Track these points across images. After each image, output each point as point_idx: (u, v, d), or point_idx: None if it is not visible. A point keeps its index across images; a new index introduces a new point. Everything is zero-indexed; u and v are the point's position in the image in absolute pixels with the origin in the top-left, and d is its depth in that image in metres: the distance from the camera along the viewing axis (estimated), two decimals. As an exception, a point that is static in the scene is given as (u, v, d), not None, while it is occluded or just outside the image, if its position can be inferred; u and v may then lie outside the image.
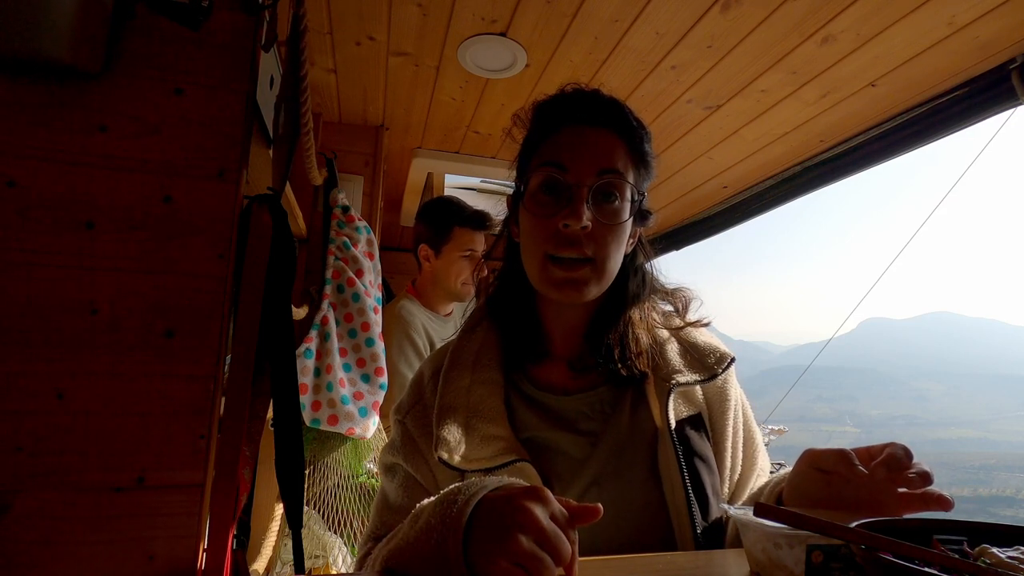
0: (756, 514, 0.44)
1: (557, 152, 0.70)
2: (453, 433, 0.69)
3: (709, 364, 0.73)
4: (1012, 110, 1.42)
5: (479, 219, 1.79)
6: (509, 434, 0.68)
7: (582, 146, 0.69)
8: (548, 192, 0.70)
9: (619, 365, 0.72)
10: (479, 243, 1.77)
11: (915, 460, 0.53)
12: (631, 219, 0.72)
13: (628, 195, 0.70)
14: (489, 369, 0.73)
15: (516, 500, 0.45)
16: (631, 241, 0.76)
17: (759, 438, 0.77)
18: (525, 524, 0.44)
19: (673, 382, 0.70)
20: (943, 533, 0.43)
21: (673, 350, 0.75)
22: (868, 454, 0.55)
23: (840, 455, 0.55)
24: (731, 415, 0.73)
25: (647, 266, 0.79)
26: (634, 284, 0.77)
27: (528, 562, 0.42)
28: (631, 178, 0.71)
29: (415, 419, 0.74)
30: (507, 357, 0.76)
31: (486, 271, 1.80)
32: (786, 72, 1.46)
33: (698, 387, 0.74)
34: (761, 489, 0.71)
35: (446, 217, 1.79)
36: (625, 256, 0.75)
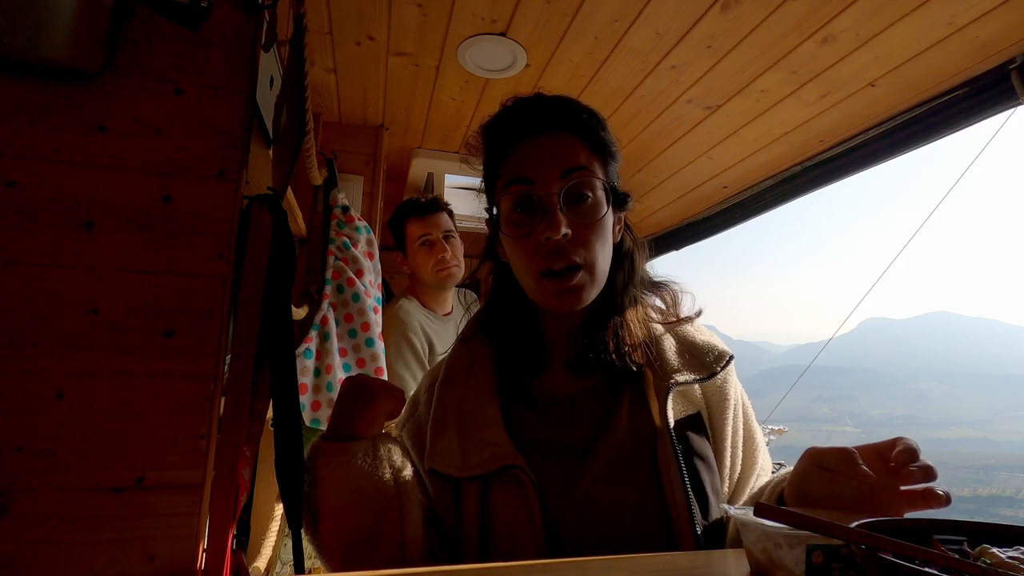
0: (756, 514, 0.44)
1: (518, 168, 0.70)
2: (445, 443, 0.69)
3: (708, 363, 0.73)
4: (1012, 110, 1.42)
5: (423, 205, 1.79)
6: (504, 440, 0.68)
7: (541, 155, 0.69)
8: (521, 210, 0.69)
9: (614, 356, 0.71)
10: (432, 226, 1.77)
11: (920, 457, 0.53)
12: (609, 209, 0.71)
13: (599, 188, 0.70)
14: (484, 378, 0.74)
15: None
16: (617, 228, 0.76)
17: (760, 437, 0.77)
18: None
19: (672, 381, 0.70)
20: (943, 533, 0.43)
21: (671, 349, 0.75)
22: (875, 451, 0.55)
23: (844, 453, 0.55)
24: (730, 414, 0.73)
25: (635, 254, 0.79)
26: (622, 274, 0.76)
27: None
28: (598, 171, 0.70)
29: (409, 432, 0.75)
30: (503, 366, 0.76)
31: (452, 249, 1.80)
32: (786, 72, 1.46)
33: (697, 386, 0.73)
34: (762, 489, 0.71)
35: (398, 219, 1.82)
36: (613, 245, 0.75)
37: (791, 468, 0.65)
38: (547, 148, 0.69)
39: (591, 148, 0.71)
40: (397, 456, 0.68)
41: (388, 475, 0.65)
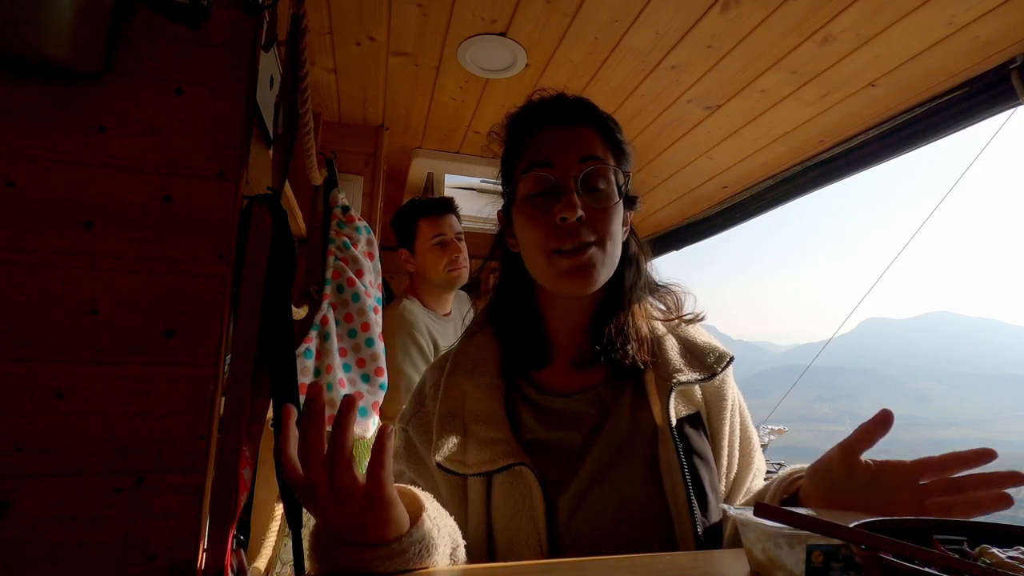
0: (756, 514, 0.44)
1: (539, 152, 0.72)
2: (452, 438, 0.69)
3: (709, 363, 0.74)
4: (1012, 110, 1.42)
5: (438, 205, 1.81)
6: (509, 437, 0.68)
7: (561, 142, 0.72)
8: (539, 191, 0.72)
9: (620, 354, 0.72)
10: (446, 227, 1.78)
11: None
12: (621, 202, 0.74)
13: (613, 178, 0.73)
14: (488, 374, 0.74)
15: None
16: (624, 229, 0.78)
17: (755, 438, 0.78)
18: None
19: (674, 381, 0.71)
20: (943, 533, 0.43)
21: (673, 349, 0.75)
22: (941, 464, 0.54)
23: (914, 469, 0.54)
24: (728, 414, 0.74)
25: (640, 257, 0.80)
26: (630, 273, 0.78)
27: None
28: (612, 163, 0.73)
29: (417, 427, 0.75)
30: (508, 362, 0.76)
31: (464, 250, 1.81)
32: (786, 72, 1.46)
33: (697, 386, 0.74)
34: (765, 488, 0.71)
35: (409, 216, 1.81)
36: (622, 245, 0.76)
37: (797, 466, 0.65)
38: (567, 136, 0.72)
39: (607, 144, 0.74)
40: (456, 532, 0.60)
41: (447, 558, 0.56)
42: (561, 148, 0.71)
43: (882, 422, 0.55)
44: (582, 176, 0.70)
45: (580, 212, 0.68)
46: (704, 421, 0.73)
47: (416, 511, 0.54)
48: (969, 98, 1.43)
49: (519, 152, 0.75)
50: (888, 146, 1.65)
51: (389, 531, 0.49)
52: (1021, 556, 0.37)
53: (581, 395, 0.73)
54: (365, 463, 0.50)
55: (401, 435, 0.77)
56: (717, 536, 0.66)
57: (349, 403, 0.47)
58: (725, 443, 0.73)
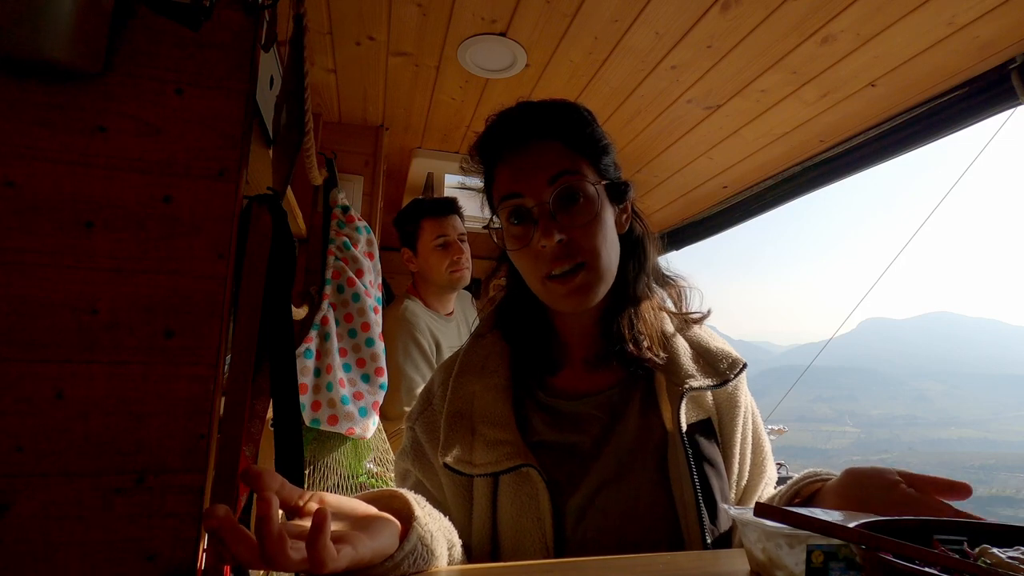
0: (756, 514, 0.44)
1: (507, 184, 0.71)
2: (459, 439, 0.69)
3: (721, 369, 0.73)
4: (1012, 110, 1.42)
5: (442, 206, 1.81)
6: (516, 438, 0.68)
7: (526, 166, 0.70)
8: (517, 222, 0.71)
9: (631, 346, 0.72)
10: (449, 228, 1.78)
11: None
12: (605, 205, 0.72)
13: (589, 187, 0.70)
14: (497, 375, 0.74)
15: None
16: (624, 217, 0.76)
17: (768, 446, 0.77)
18: None
19: (686, 386, 0.70)
20: (943, 533, 0.43)
21: (685, 354, 0.75)
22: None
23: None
24: (740, 421, 0.73)
25: (646, 241, 0.78)
26: (633, 263, 0.77)
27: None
28: (585, 171, 0.71)
29: (424, 425, 0.75)
30: (517, 364, 0.76)
31: (466, 251, 1.79)
32: (786, 72, 1.46)
33: (709, 392, 0.74)
34: (776, 494, 0.70)
35: (413, 215, 1.81)
36: (622, 236, 0.75)
37: (811, 470, 0.64)
38: (531, 159, 0.70)
39: (576, 149, 0.71)
40: (452, 532, 0.61)
41: (446, 560, 0.57)
42: (527, 175, 0.69)
43: (957, 490, 0.54)
44: (554, 198, 0.68)
45: (559, 236, 0.67)
46: (715, 428, 0.72)
47: (407, 517, 0.53)
48: (969, 98, 1.43)
49: (492, 181, 0.74)
50: (888, 146, 1.65)
51: (374, 559, 0.47)
52: (1021, 556, 0.37)
53: (591, 398, 0.73)
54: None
55: (409, 434, 0.77)
56: (726, 543, 0.66)
57: (253, 477, 0.41)
58: (736, 450, 0.72)
